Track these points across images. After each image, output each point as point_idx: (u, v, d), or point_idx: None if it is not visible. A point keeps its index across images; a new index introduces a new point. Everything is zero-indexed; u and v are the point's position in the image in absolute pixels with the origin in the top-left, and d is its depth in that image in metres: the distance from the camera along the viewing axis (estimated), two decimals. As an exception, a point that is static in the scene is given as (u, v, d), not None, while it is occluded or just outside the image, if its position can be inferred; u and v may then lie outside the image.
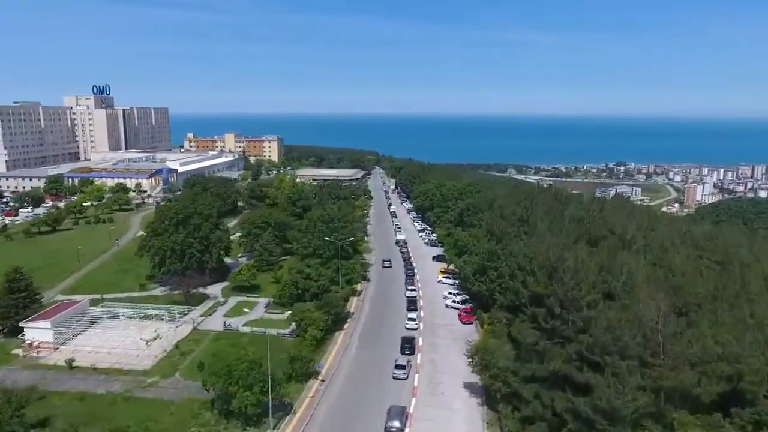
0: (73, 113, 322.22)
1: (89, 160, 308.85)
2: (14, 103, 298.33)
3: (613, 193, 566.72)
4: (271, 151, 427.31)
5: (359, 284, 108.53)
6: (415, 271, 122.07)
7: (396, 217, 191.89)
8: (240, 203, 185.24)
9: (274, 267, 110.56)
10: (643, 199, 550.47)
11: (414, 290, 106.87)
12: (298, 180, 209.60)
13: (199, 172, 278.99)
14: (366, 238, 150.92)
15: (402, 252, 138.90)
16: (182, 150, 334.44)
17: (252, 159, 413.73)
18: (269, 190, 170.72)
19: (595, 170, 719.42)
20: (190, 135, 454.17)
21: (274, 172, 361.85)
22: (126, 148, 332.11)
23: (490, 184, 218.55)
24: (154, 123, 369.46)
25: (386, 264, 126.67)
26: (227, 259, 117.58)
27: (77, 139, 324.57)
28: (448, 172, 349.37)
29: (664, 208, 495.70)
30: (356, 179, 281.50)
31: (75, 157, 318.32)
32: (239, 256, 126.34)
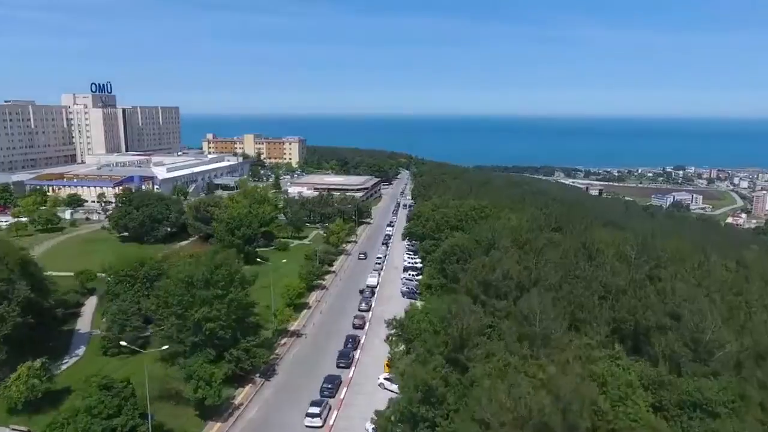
0: (70, 113, 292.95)
1: (83, 163, 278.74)
2: (5, 101, 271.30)
3: (670, 200, 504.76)
4: (291, 153, 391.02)
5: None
6: (353, 360, 78.22)
7: (388, 245, 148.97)
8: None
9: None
10: (704, 208, 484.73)
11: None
12: (272, 193, 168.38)
13: (190, 179, 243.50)
14: (329, 279, 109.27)
15: (357, 320, 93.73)
16: (183, 152, 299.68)
17: (271, 162, 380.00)
18: (216, 210, 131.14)
19: (650, 174, 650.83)
20: (210, 136, 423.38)
21: (294, 174, 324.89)
22: (127, 151, 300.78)
23: (514, 202, 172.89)
24: (161, 123, 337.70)
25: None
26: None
27: (74, 140, 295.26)
28: (476, 178, 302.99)
29: (729, 219, 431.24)
30: (366, 188, 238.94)
31: (71, 159, 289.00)
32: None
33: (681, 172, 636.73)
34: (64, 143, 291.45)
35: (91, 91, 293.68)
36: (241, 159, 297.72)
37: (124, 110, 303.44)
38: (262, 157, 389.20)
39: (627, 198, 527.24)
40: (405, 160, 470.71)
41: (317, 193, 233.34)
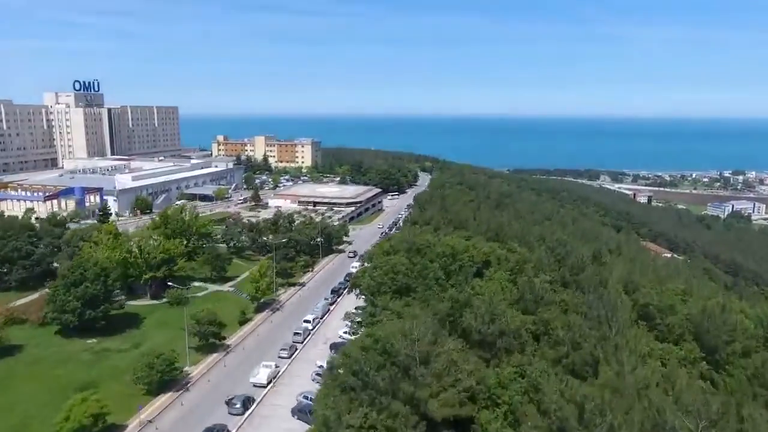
0: (50, 113, 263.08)
1: (60, 167, 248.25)
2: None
3: (728, 209, 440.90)
4: (304, 156, 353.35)
5: None
6: None
7: (340, 295, 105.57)
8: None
9: None
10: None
11: None
12: (199, 213, 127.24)
13: (162, 188, 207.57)
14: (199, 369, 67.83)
15: None
16: (182, 155, 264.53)
17: (280, 165, 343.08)
18: (87, 246, 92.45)
19: (706, 179, 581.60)
20: (220, 137, 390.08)
21: (301, 181, 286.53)
22: (112, 154, 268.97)
23: (523, 232, 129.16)
24: (156, 125, 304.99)
25: None
26: None
27: (56, 143, 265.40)
28: (500, 189, 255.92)
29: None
30: (358, 202, 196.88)
31: (52, 164, 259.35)
32: None
33: (740, 177, 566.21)
34: (44, 146, 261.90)
35: (74, 89, 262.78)
36: (231, 164, 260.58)
37: (109, 110, 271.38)
38: (275, 160, 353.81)
39: (680, 206, 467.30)
40: (430, 163, 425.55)
41: (300, 207, 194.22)
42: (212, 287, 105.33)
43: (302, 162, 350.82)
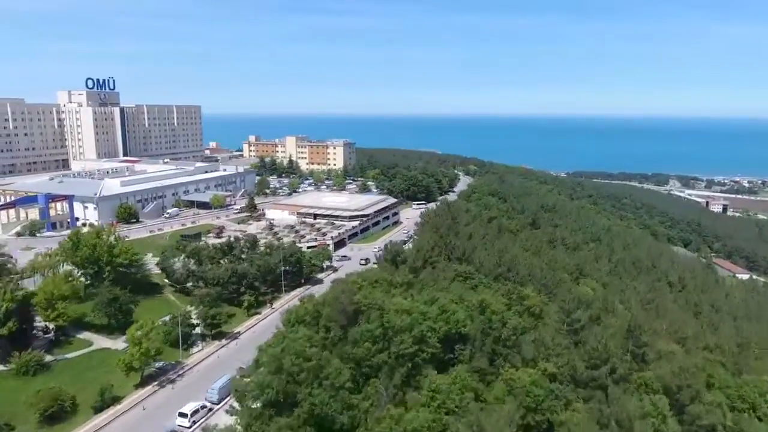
0: (61, 112, 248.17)
1: (69, 169, 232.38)
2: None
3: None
4: (336, 158, 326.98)
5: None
6: None
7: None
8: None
9: None
10: None
11: None
12: (118, 239, 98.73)
13: (154, 194, 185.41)
14: None
15: None
16: (167, 160, 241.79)
17: (310, 167, 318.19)
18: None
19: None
20: (252, 138, 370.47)
21: (324, 186, 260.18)
22: (125, 155, 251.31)
23: (544, 280, 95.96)
24: (176, 124, 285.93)
25: None
26: None
27: (67, 143, 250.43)
28: (545, 199, 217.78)
29: None
30: (365, 216, 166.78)
31: (64, 165, 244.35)
32: None
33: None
34: (56, 146, 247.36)
35: (87, 87, 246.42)
36: (241, 168, 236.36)
37: (122, 109, 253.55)
38: (305, 162, 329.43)
39: (760, 215, 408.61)
40: (475, 166, 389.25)
41: (299, 219, 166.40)
42: (102, 342, 78.36)
43: (334, 164, 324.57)
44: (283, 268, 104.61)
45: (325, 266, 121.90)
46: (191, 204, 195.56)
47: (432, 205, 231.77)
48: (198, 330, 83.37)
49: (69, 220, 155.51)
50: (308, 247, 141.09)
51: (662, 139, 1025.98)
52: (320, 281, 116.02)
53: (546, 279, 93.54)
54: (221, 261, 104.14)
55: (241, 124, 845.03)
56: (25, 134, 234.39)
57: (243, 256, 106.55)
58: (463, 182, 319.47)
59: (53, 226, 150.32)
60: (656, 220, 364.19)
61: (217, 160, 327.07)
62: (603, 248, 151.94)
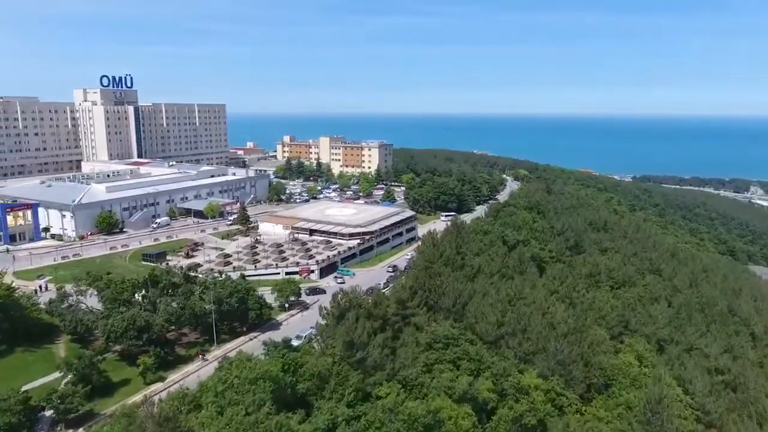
0: (75, 111, 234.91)
1: (79, 170, 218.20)
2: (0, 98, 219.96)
3: None
4: (371, 160, 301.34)
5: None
6: None
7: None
8: None
9: None
10: None
11: None
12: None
13: (141, 201, 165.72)
14: None
15: None
16: (173, 163, 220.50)
17: (344, 170, 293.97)
18: None
19: None
20: (286, 138, 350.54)
21: (351, 191, 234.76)
22: (140, 156, 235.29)
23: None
24: (198, 124, 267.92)
25: None
26: None
27: (81, 143, 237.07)
28: (596, 214, 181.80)
29: None
30: (368, 233, 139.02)
31: (77, 166, 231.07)
32: None
33: None
34: (69, 146, 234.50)
35: (102, 85, 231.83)
36: (252, 172, 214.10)
37: (137, 108, 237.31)
38: (339, 165, 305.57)
39: None
40: (525, 170, 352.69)
41: (291, 236, 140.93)
42: None
43: (369, 167, 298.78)
44: (215, 314, 78.83)
45: (287, 305, 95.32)
46: (188, 212, 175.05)
47: (475, 212, 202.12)
48: (49, 413, 58.82)
49: (29, 231, 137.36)
50: (286, 273, 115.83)
51: (741, 140, 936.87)
52: (276, 326, 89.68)
53: (562, 354, 62.92)
54: (132, 301, 79.74)
55: (299, 123, 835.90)
56: (36, 134, 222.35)
57: (166, 295, 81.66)
58: (510, 189, 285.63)
59: (12, 239, 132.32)
60: (734, 233, 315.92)
61: (244, 162, 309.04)
62: (663, 284, 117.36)
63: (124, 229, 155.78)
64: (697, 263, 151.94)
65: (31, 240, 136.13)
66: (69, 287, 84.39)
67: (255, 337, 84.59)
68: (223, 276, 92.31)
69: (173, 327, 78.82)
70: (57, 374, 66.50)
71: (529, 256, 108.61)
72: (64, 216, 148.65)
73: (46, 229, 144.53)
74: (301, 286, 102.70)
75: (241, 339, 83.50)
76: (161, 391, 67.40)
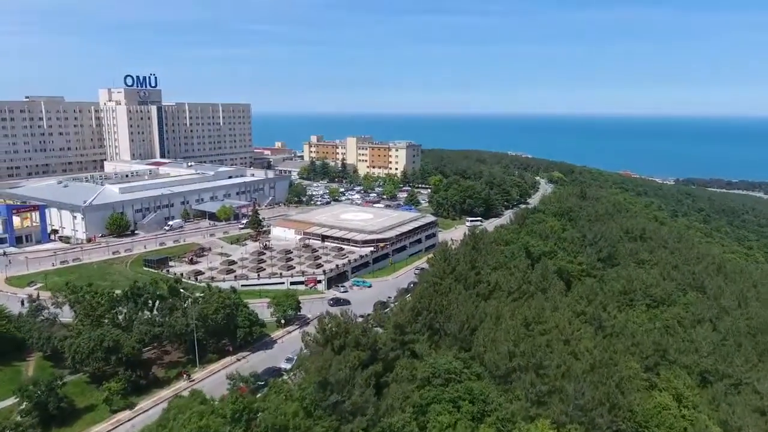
0: (99, 111, 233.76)
1: (101, 170, 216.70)
2: (25, 97, 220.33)
3: None
4: (398, 161, 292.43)
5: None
6: None
7: None
8: None
9: None
10: None
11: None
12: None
13: (155, 203, 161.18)
14: None
15: None
16: (192, 164, 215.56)
17: (370, 171, 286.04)
18: None
19: None
20: (313, 138, 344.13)
21: (375, 193, 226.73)
22: (163, 156, 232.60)
23: None
24: (222, 124, 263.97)
25: None
26: None
27: (105, 143, 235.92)
28: (637, 222, 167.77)
29: None
30: (380, 240, 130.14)
31: (101, 165, 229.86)
32: None
33: None
34: (93, 146, 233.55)
35: (126, 84, 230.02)
36: (270, 174, 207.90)
37: (159, 108, 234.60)
38: (366, 165, 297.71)
39: None
40: (560, 173, 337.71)
41: (302, 242, 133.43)
42: None
43: (396, 168, 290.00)
44: (198, 332, 71.42)
45: (283, 321, 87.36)
46: (203, 214, 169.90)
47: (503, 217, 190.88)
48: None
49: (37, 232, 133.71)
50: (291, 283, 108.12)
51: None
52: (270, 344, 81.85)
53: (584, 397, 52.77)
54: (109, 316, 72.92)
55: (333, 123, 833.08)
56: (60, 133, 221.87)
57: (147, 309, 74.73)
58: (543, 192, 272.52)
59: (18, 241, 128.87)
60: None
61: (269, 163, 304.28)
62: (707, 303, 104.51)
63: (136, 231, 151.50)
64: (746, 278, 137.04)
65: (38, 242, 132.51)
66: (45, 299, 78.30)
67: (243, 357, 77.00)
68: (213, 288, 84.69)
69: (152, 345, 71.76)
70: (14, 399, 60.12)
71: (555, 270, 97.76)
72: (75, 217, 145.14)
73: (55, 231, 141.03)
74: (323, 296, 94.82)
75: (228, 359, 76.00)
76: (126, 421, 60.24)
